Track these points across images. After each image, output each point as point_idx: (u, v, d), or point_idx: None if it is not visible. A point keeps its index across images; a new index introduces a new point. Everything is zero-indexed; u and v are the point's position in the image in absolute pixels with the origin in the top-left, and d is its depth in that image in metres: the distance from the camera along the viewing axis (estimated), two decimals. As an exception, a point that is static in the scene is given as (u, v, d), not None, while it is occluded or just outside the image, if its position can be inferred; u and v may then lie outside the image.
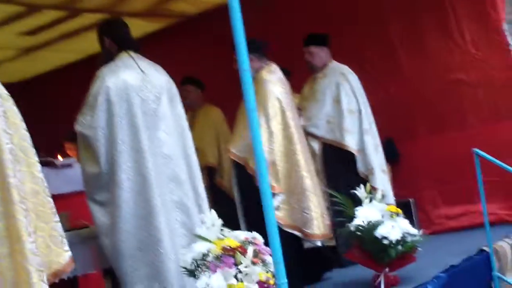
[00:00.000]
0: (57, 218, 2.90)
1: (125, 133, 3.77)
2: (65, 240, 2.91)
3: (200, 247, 3.03)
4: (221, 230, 3.11)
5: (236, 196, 4.70)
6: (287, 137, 4.56)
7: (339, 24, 6.52)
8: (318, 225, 4.50)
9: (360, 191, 4.30)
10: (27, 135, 2.87)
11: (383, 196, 5.05)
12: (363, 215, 4.14)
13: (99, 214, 3.80)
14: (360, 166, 5.32)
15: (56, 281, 2.88)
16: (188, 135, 4.09)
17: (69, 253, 2.91)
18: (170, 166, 3.87)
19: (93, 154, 3.79)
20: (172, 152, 3.90)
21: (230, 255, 2.97)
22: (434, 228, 6.22)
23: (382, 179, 5.30)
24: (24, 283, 2.62)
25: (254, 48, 4.35)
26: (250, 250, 3.00)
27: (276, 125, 4.53)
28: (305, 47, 5.53)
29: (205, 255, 3.00)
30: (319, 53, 5.49)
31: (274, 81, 4.65)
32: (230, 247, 2.99)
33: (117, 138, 3.74)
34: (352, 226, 4.17)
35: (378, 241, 4.04)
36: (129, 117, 3.79)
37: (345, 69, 5.52)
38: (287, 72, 6.06)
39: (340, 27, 6.48)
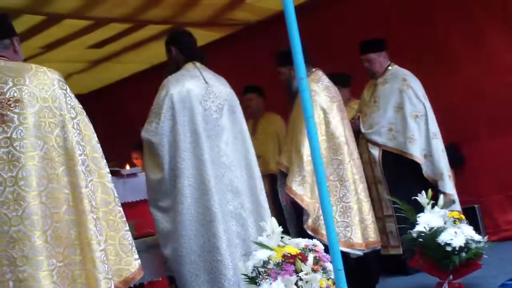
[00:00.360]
0: (127, 227, 3.01)
1: (187, 140, 3.88)
2: (134, 249, 3.01)
3: (261, 255, 3.06)
4: (282, 237, 3.14)
5: (284, 206, 4.74)
6: (330, 148, 4.54)
7: (396, 26, 6.47)
8: (358, 233, 4.44)
9: (422, 198, 4.25)
10: (98, 146, 3.00)
11: (454, 202, 4.99)
12: (425, 221, 4.10)
13: (163, 220, 3.90)
14: (429, 172, 5.19)
15: (127, 288, 3.00)
16: (250, 145, 4.16)
17: (139, 261, 3.01)
18: (229, 176, 3.95)
19: (157, 160, 3.91)
20: (231, 163, 3.98)
21: (290, 262, 2.99)
22: (501, 235, 6.06)
23: (451, 183, 5.20)
24: None
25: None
26: (310, 257, 3.02)
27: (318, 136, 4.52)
28: (362, 55, 5.48)
29: (265, 263, 3.02)
30: (378, 59, 5.42)
31: (318, 90, 4.62)
32: (291, 254, 3.01)
33: (180, 145, 3.84)
34: (414, 232, 4.13)
35: (441, 247, 3.99)
36: (192, 125, 3.90)
37: (407, 73, 5.42)
38: (347, 77, 6.06)
39: (397, 28, 6.44)
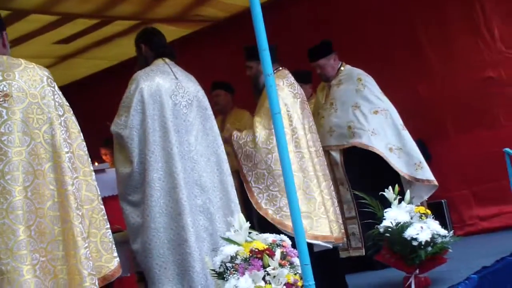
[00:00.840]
0: (108, 225, 3.06)
1: (157, 134, 3.90)
2: (114, 247, 3.06)
3: (229, 250, 3.07)
4: (249, 232, 3.15)
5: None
6: (292, 141, 4.52)
7: (366, 23, 6.52)
8: (323, 225, 4.43)
9: (389, 193, 4.29)
10: (84, 145, 3.06)
11: (437, 186, 5.11)
12: (392, 216, 4.14)
13: (133, 215, 3.91)
14: (401, 164, 5.17)
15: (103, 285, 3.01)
16: (220, 142, 4.19)
17: (118, 259, 3.06)
18: (197, 171, 3.97)
19: (127, 154, 3.92)
20: (200, 158, 4.01)
21: (258, 257, 3.01)
22: (467, 229, 6.18)
23: (429, 170, 5.21)
24: (77, 286, 2.78)
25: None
26: (278, 252, 3.04)
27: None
28: (312, 62, 5.46)
29: (233, 258, 3.04)
30: (328, 63, 5.42)
31: (282, 86, 4.62)
32: (258, 249, 3.02)
33: (150, 139, 3.86)
34: (381, 227, 4.17)
35: (407, 242, 4.04)
36: (161, 119, 3.92)
37: (361, 72, 5.43)
38: (308, 74, 6.08)
39: (367, 26, 6.49)
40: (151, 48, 4.20)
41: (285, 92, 4.60)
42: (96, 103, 8.30)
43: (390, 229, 4.12)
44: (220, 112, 6.40)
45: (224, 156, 4.15)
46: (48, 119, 2.89)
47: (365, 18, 6.55)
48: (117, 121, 3.97)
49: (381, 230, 4.17)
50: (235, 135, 4.55)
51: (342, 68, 5.50)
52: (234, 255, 3.03)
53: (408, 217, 4.15)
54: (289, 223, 4.27)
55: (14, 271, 2.69)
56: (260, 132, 4.43)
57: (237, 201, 4.12)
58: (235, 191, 4.14)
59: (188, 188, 3.89)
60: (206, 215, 3.95)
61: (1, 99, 2.80)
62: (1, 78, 2.83)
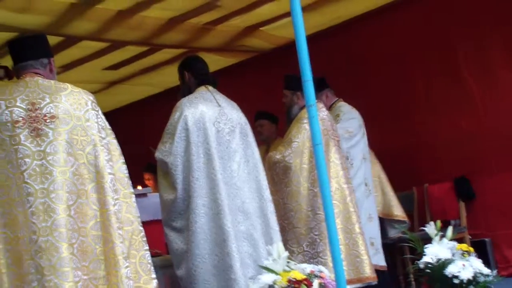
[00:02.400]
0: (147, 247, 3.12)
1: (201, 160, 3.95)
2: (152, 268, 3.11)
3: (267, 279, 3.07)
4: (288, 262, 3.15)
5: None
6: (309, 178, 4.55)
7: (406, 51, 6.48)
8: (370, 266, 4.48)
9: (430, 228, 4.24)
10: (125, 167, 3.14)
11: None
12: (433, 252, 4.08)
13: (177, 240, 3.94)
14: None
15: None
16: (261, 168, 4.23)
17: (156, 281, 3.10)
18: (240, 197, 4.00)
19: (171, 180, 3.97)
20: (243, 184, 4.04)
21: (295, 287, 3.00)
22: (511, 270, 6.01)
23: None
24: None
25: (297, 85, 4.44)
26: (315, 283, 3.03)
27: (298, 163, 4.56)
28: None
29: (271, 287, 3.03)
30: (321, 98, 5.38)
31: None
32: (296, 279, 3.02)
33: (194, 166, 3.91)
34: (421, 263, 4.11)
35: (448, 280, 3.96)
36: (205, 146, 3.98)
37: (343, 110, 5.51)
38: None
39: (408, 54, 6.45)
40: (194, 75, 4.27)
41: None
42: (141, 128, 8.44)
43: (430, 265, 4.05)
44: (264, 142, 6.43)
45: (264, 183, 4.18)
46: (92, 141, 2.99)
47: (405, 46, 6.51)
48: (161, 148, 4.03)
49: (421, 265, 4.11)
50: (268, 154, 4.73)
51: (336, 104, 5.55)
52: (272, 284, 3.03)
53: (449, 254, 4.08)
54: (290, 257, 4.39)
55: None
56: (279, 162, 4.58)
57: (276, 228, 4.13)
58: (275, 217, 4.16)
59: (232, 214, 3.92)
60: (250, 241, 3.97)
61: (48, 121, 2.92)
62: (48, 100, 2.96)
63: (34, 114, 2.93)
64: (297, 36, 2.57)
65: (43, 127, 2.92)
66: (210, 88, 4.23)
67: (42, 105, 2.95)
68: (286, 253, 3.13)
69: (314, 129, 2.65)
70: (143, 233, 3.12)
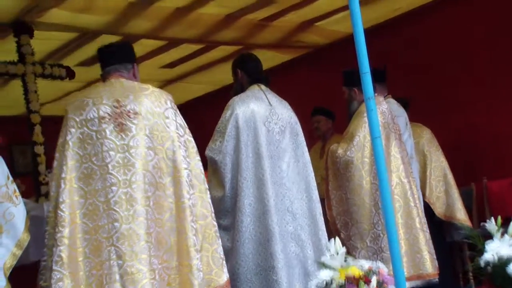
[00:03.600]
0: (219, 241, 3.26)
1: (250, 160, 3.96)
2: (224, 263, 3.26)
3: (324, 275, 3.06)
4: (345, 258, 3.13)
5: None
6: (371, 172, 4.49)
7: (466, 42, 6.34)
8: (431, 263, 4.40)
9: (491, 224, 4.14)
10: (200, 164, 3.32)
11: None
12: (494, 249, 3.98)
13: (223, 238, 3.94)
14: None
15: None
16: (311, 169, 4.22)
17: (227, 275, 3.24)
18: (289, 198, 4.01)
19: (220, 178, 4.01)
20: (292, 184, 4.04)
21: (353, 284, 2.98)
22: None
23: None
24: None
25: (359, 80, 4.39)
26: (374, 280, 3.00)
27: (360, 157, 4.51)
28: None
29: (328, 283, 3.03)
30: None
31: None
32: (354, 276, 3.00)
33: (242, 165, 3.93)
34: (482, 260, 4.02)
35: (510, 278, 3.86)
36: (255, 145, 3.99)
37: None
38: (405, 102, 6.00)
39: (468, 45, 6.31)
40: (247, 73, 4.28)
41: None
42: (197, 126, 8.51)
43: (492, 263, 3.96)
44: (321, 138, 6.41)
45: (313, 183, 4.17)
46: (170, 137, 3.18)
47: (465, 39, 6.35)
48: (211, 146, 4.06)
49: (482, 263, 4.02)
50: (330, 149, 4.71)
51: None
52: (330, 280, 3.02)
53: (511, 251, 3.98)
54: (354, 254, 4.40)
55: (137, 273, 2.92)
56: (340, 157, 4.53)
57: (324, 228, 4.12)
58: (322, 219, 4.15)
59: (280, 214, 3.93)
60: (298, 242, 3.97)
61: (132, 116, 3.13)
62: (132, 98, 3.16)
63: (119, 110, 3.13)
64: (354, 28, 2.55)
65: (127, 122, 3.12)
66: (263, 86, 4.23)
67: (126, 102, 3.16)
68: (344, 249, 3.12)
69: (373, 122, 2.63)
70: (216, 228, 3.27)
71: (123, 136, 3.10)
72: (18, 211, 3.00)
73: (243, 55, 4.53)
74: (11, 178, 3.02)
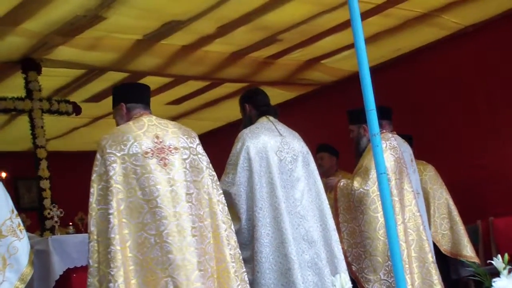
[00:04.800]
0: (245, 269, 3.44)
1: (264, 190, 3.97)
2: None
3: (330, 310, 3.04)
4: (351, 294, 3.11)
5: None
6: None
7: (467, 81, 6.38)
8: None
9: (498, 261, 4.11)
10: (223, 196, 3.48)
11: None
12: (502, 287, 3.95)
13: None
14: None
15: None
16: (324, 197, 4.21)
17: None
18: (304, 226, 3.99)
19: (235, 211, 3.99)
20: (307, 213, 4.03)
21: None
22: None
23: None
24: None
25: (362, 118, 4.43)
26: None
27: (375, 190, 4.50)
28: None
29: (334, 318, 3.00)
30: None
31: (385, 149, 4.59)
32: (360, 311, 2.98)
33: (257, 195, 3.93)
34: (489, 298, 3.98)
35: (518, 315, 3.82)
36: (268, 176, 3.99)
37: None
38: (409, 138, 6.03)
39: (469, 84, 6.35)
40: (255, 107, 4.32)
41: (387, 155, 4.59)
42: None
43: (499, 300, 3.92)
44: (324, 175, 6.40)
45: (328, 211, 4.16)
46: (204, 171, 3.34)
47: (466, 77, 6.40)
48: (224, 179, 4.06)
49: (490, 301, 3.98)
50: (342, 183, 4.66)
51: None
52: (336, 315, 3.00)
53: (519, 289, 3.94)
54: (367, 286, 4.38)
55: None
56: (355, 190, 4.51)
57: (341, 257, 4.09)
58: (339, 246, 4.13)
59: (296, 243, 3.92)
60: (315, 270, 3.94)
61: (172, 151, 3.26)
62: (169, 135, 3.32)
63: (159, 146, 3.24)
64: (360, 65, 2.58)
65: (169, 157, 3.24)
66: (271, 118, 4.27)
67: (165, 138, 3.29)
68: (350, 284, 3.10)
69: (378, 159, 2.64)
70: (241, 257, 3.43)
71: (167, 170, 3.21)
72: (22, 245, 2.99)
73: (250, 90, 4.58)
74: (15, 212, 3.01)
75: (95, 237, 3.10)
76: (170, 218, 3.12)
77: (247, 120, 4.33)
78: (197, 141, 3.42)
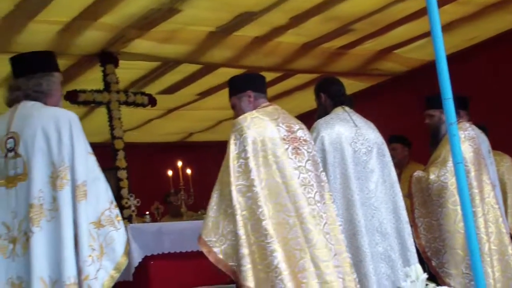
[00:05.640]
0: None
1: (337, 181, 3.95)
2: None
3: (405, 301, 3.01)
4: (426, 285, 3.08)
5: None
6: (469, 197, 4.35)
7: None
8: None
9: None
10: None
11: None
12: None
13: None
14: None
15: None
16: (398, 189, 4.16)
17: None
18: (378, 218, 3.96)
19: None
20: (380, 205, 4.00)
21: (435, 311, 2.93)
22: None
23: None
24: None
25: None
26: (456, 307, 2.94)
27: (454, 183, 4.37)
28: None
29: (409, 309, 2.97)
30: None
31: (463, 139, 4.46)
32: (435, 302, 2.94)
33: (331, 186, 3.91)
34: None
35: None
36: (342, 167, 3.98)
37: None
38: (485, 128, 5.86)
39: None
40: (330, 96, 4.27)
41: (465, 146, 4.48)
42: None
43: None
44: (397, 166, 6.31)
45: (401, 203, 4.10)
46: (319, 163, 3.56)
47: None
48: None
49: None
50: (415, 176, 4.58)
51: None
52: (410, 306, 2.97)
53: None
54: (448, 281, 4.24)
55: (335, 281, 3.20)
56: (433, 183, 4.40)
57: (413, 250, 4.04)
58: (412, 240, 4.07)
59: (369, 235, 3.89)
60: (388, 263, 3.91)
61: (303, 143, 3.45)
62: (298, 127, 3.50)
63: (292, 136, 3.42)
64: (437, 53, 2.54)
65: (300, 148, 3.42)
66: (347, 108, 4.22)
67: (295, 129, 3.47)
68: (425, 275, 3.06)
69: (455, 148, 2.60)
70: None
71: (300, 159, 3.38)
72: (119, 235, 3.00)
73: (326, 79, 4.54)
74: (114, 203, 3.06)
75: (239, 211, 3.20)
76: (305, 203, 3.27)
77: (322, 110, 4.29)
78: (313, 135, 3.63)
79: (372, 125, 4.25)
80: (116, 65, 6.13)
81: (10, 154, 2.93)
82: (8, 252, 2.84)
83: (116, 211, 3.05)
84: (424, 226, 4.41)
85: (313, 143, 3.58)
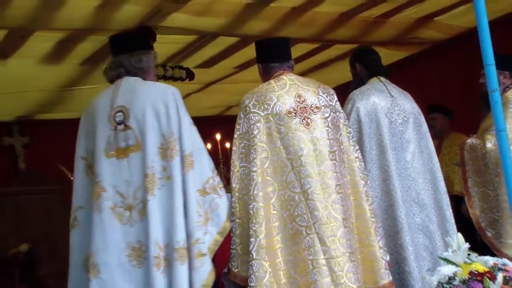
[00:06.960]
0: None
1: (373, 152, 3.94)
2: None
3: (446, 270, 3.00)
4: (469, 254, 3.05)
5: None
6: None
7: None
8: None
9: None
10: None
11: None
12: None
13: None
14: None
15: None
16: (435, 159, 4.13)
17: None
18: (415, 189, 3.94)
19: None
20: (417, 175, 3.97)
21: (478, 280, 2.90)
22: None
23: None
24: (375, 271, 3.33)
25: (505, 64, 4.21)
26: (499, 276, 2.91)
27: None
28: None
29: (451, 279, 2.96)
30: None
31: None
32: (478, 271, 2.92)
33: (367, 157, 3.91)
34: None
35: None
36: (378, 138, 3.96)
37: None
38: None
39: None
40: (366, 67, 4.25)
41: None
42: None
43: None
44: (436, 136, 6.24)
45: (439, 174, 4.07)
46: (340, 128, 3.45)
47: None
48: None
49: None
50: (468, 144, 4.46)
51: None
52: (452, 276, 2.96)
53: None
54: (507, 252, 4.12)
55: (342, 256, 3.15)
56: (490, 152, 4.29)
57: (452, 221, 4.02)
58: (450, 210, 4.04)
59: (406, 206, 3.87)
60: (426, 233, 3.90)
61: (315, 110, 3.35)
62: (309, 93, 3.39)
63: (302, 105, 3.33)
64: (478, 18, 2.50)
65: (311, 116, 3.33)
66: (382, 79, 4.19)
67: (307, 97, 3.36)
68: (467, 245, 3.04)
69: (497, 115, 2.57)
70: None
71: (310, 129, 3.29)
72: (222, 201, 3.16)
73: (361, 49, 4.50)
74: (215, 171, 3.22)
75: (237, 193, 3.26)
76: (315, 177, 3.21)
77: (358, 80, 4.27)
78: (335, 98, 3.47)
79: (408, 95, 4.21)
80: (154, 39, 6.14)
81: (120, 127, 3.09)
82: (125, 219, 3.01)
83: (218, 179, 3.22)
84: (479, 196, 4.30)
85: (333, 104, 3.46)
